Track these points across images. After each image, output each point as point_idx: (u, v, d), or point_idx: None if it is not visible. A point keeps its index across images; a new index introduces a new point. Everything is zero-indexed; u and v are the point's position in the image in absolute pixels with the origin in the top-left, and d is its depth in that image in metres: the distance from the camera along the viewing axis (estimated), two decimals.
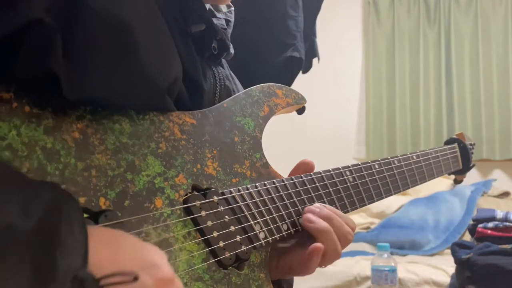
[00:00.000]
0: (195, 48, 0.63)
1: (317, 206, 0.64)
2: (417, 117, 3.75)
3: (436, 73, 3.77)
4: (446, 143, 1.11)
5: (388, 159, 0.82)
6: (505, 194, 3.16)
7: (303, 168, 0.70)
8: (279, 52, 1.43)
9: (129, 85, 0.47)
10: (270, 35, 1.42)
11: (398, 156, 0.84)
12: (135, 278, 0.33)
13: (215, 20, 0.68)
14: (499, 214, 1.58)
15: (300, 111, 0.74)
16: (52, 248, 0.30)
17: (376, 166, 0.79)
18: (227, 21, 0.72)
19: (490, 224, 1.56)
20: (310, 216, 0.62)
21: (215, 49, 0.66)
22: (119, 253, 0.36)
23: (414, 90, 3.78)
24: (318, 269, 0.64)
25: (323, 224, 0.62)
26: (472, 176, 3.54)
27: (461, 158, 1.10)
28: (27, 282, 0.29)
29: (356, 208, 0.73)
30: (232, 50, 0.71)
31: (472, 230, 1.63)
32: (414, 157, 0.88)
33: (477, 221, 1.61)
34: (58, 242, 0.31)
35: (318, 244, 0.60)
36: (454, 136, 1.12)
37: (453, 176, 1.14)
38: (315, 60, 1.79)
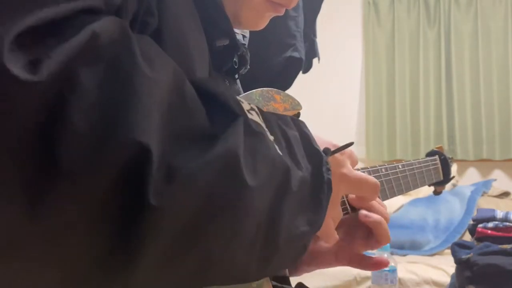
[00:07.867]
0: (214, 61, 0.63)
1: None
2: (417, 117, 3.74)
3: (436, 73, 3.76)
4: (428, 155, 1.15)
5: (376, 167, 0.83)
6: (505, 194, 3.16)
7: None
8: (279, 52, 1.42)
9: None
10: (270, 35, 1.42)
11: (385, 165, 0.85)
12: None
13: None
14: (499, 214, 1.57)
15: (295, 116, 0.74)
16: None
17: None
18: (243, 36, 0.73)
19: (490, 224, 1.56)
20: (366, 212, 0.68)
21: (236, 64, 0.67)
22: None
23: (414, 90, 3.78)
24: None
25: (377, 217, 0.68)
26: (472, 176, 3.54)
27: (442, 170, 1.13)
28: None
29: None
30: (248, 66, 0.71)
31: (472, 230, 1.62)
32: (400, 166, 0.90)
33: (477, 221, 1.61)
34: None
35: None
36: (435, 149, 1.16)
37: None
38: (315, 60, 1.78)
